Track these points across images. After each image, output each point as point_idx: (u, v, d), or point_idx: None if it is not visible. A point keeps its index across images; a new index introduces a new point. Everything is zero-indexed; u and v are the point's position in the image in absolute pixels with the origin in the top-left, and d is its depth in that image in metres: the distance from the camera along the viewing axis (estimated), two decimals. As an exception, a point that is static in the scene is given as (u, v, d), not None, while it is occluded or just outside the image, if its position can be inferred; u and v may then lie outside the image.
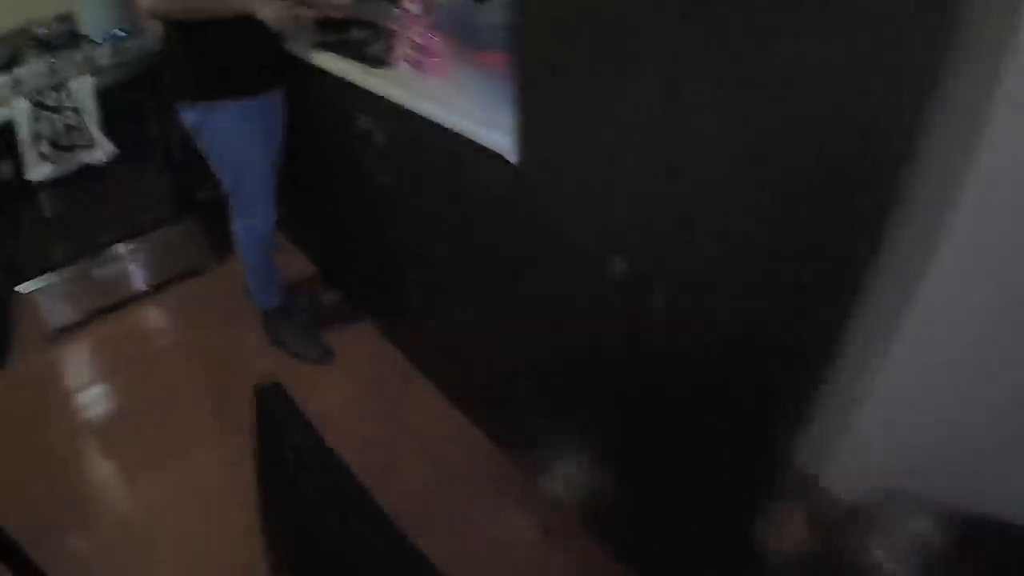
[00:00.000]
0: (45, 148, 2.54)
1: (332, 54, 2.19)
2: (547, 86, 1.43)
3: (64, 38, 2.75)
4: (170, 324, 3.02)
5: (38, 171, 2.56)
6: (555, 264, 1.64)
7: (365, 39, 2.24)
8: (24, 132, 2.50)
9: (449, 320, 2.22)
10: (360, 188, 2.31)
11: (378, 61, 2.05)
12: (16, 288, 2.81)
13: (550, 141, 1.49)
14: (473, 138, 1.67)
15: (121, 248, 2.96)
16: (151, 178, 2.92)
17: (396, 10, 2.35)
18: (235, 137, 2.24)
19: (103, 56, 2.62)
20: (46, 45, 2.72)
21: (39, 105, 2.49)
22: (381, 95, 1.96)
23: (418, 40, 1.93)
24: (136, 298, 3.11)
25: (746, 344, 1.26)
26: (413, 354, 2.59)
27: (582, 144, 1.40)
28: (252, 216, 2.42)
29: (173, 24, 2.08)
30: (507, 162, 1.60)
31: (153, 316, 3.06)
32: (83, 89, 2.54)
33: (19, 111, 2.48)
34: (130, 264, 2.99)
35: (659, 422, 1.55)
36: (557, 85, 1.40)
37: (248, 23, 2.08)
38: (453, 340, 2.25)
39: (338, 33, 2.29)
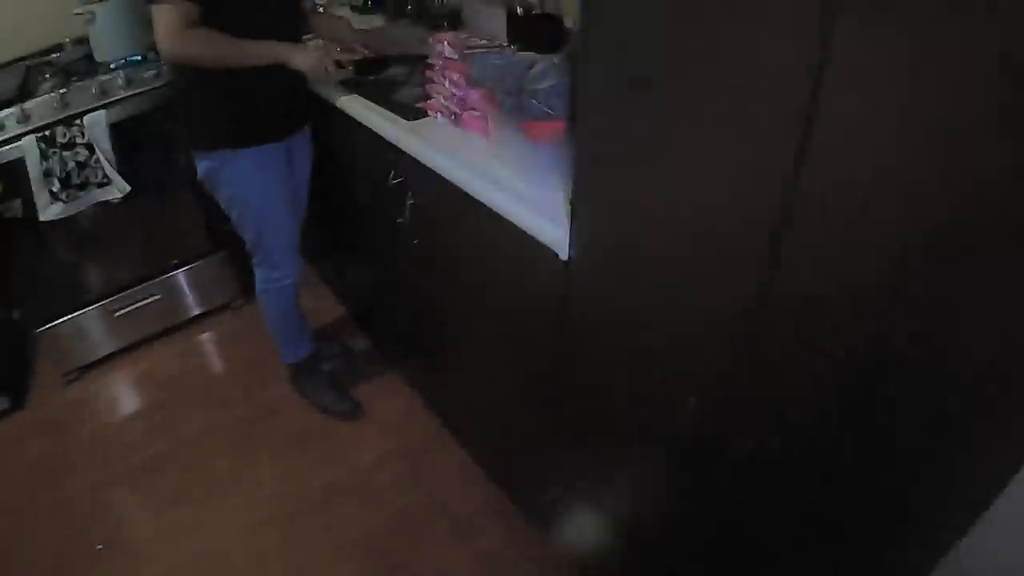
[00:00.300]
0: (56, 187, 2.29)
1: (359, 98, 1.89)
2: (614, 171, 1.12)
3: (79, 64, 2.49)
4: (195, 366, 2.77)
5: (49, 211, 2.32)
6: (611, 379, 1.34)
7: (398, 79, 1.94)
8: (33, 170, 2.25)
9: (484, 390, 1.93)
10: (390, 240, 2.02)
11: (410, 111, 1.75)
12: (36, 327, 2.58)
13: (613, 240, 1.19)
14: (515, 222, 1.37)
15: (146, 285, 2.71)
16: (177, 211, 2.66)
17: (431, 39, 2.06)
18: (255, 186, 1.96)
19: (118, 86, 2.35)
20: (61, 71, 2.46)
21: (48, 142, 2.24)
22: (412, 155, 1.66)
23: (454, 90, 1.62)
24: (160, 337, 2.87)
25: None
26: (445, 415, 2.31)
27: (655, 247, 1.10)
28: (275, 269, 2.14)
29: (190, 67, 1.79)
30: (556, 257, 1.30)
31: (177, 357, 2.81)
32: (96, 124, 2.28)
33: (28, 148, 2.23)
34: (155, 302, 2.74)
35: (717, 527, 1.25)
36: (627, 170, 1.09)
37: (273, 67, 1.79)
38: (487, 410, 1.97)
39: (376, 73, 1.98)
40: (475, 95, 1.53)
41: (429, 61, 1.79)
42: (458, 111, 1.61)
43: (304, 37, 2.04)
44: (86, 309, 2.63)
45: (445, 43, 1.62)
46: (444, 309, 1.95)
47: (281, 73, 1.80)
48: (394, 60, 2.01)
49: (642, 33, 0.96)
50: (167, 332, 2.86)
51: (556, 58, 1.27)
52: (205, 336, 2.89)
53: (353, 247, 2.46)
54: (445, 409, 2.29)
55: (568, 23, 2.01)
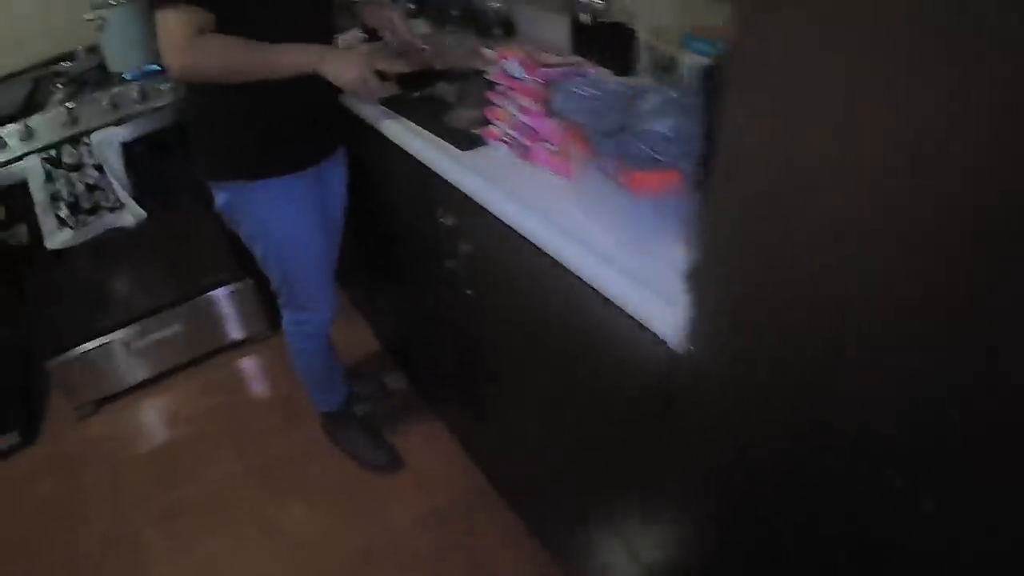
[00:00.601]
0: (63, 212, 1.97)
1: (405, 121, 1.54)
2: (767, 236, 0.76)
3: (92, 75, 2.16)
4: (220, 403, 2.43)
5: (56, 238, 2.00)
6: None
7: (447, 98, 1.59)
8: (38, 194, 1.93)
9: (545, 455, 1.57)
10: (437, 282, 1.67)
11: (464, 138, 1.39)
12: (47, 359, 2.26)
13: (754, 328, 0.83)
14: (606, 293, 1.02)
15: (166, 314, 2.38)
16: (199, 236, 2.32)
17: (490, 51, 1.71)
18: (282, 222, 1.62)
19: (132, 99, 2.03)
20: (73, 82, 2.13)
21: (54, 162, 1.91)
22: (467, 193, 1.30)
23: (523, 117, 1.26)
24: (182, 369, 2.54)
25: None
26: (493, 472, 1.96)
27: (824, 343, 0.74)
28: (303, 311, 1.81)
29: (204, 85, 1.45)
30: (662, 342, 0.94)
31: (200, 393, 2.49)
32: (106, 143, 1.96)
33: (31, 170, 1.90)
34: (176, 332, 2.42)
35: None
36: (781, 240, 0.73)
37: (302, 80, 1.43)
38: (546, 476, 1.61)
39: (421, 88, 1.63)
40: (552, 126, 1.17)
41: (487, 77, 1.44)
42: (527, 143, 1.25)
43: (341, 38, 1.70)
44: (101, 340, 2.32)
45: (512, 60, 1.26)
46: (500, 364, 1.60)
47: (312, 83, 1.43)
48: (443, 75, 1.65)
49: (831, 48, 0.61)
50: (189, 364, 2.54)
51: (673, 90, 0.90)
52: (230, 369, 2.55)
53: (389, 276, 2.11)
54: (493, 465, 1.94)
55: (642, 35, 1.65)
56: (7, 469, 2.32)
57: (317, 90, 1.46)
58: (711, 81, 0.91)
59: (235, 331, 2.54)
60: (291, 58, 1.40)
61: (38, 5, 2.30)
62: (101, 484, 2.22)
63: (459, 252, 1.42)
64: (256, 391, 2.46)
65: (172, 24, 1.27)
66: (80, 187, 1.97)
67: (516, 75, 1.25)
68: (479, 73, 1.67)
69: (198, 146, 1.57)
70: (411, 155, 1.49)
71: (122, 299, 2.31)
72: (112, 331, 2.32)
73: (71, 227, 2.00)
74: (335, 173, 1.76)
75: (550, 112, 1.11)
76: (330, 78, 1.43)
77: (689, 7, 1.55)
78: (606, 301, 1.02)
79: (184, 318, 2.41)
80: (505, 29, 2.01)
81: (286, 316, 1.84)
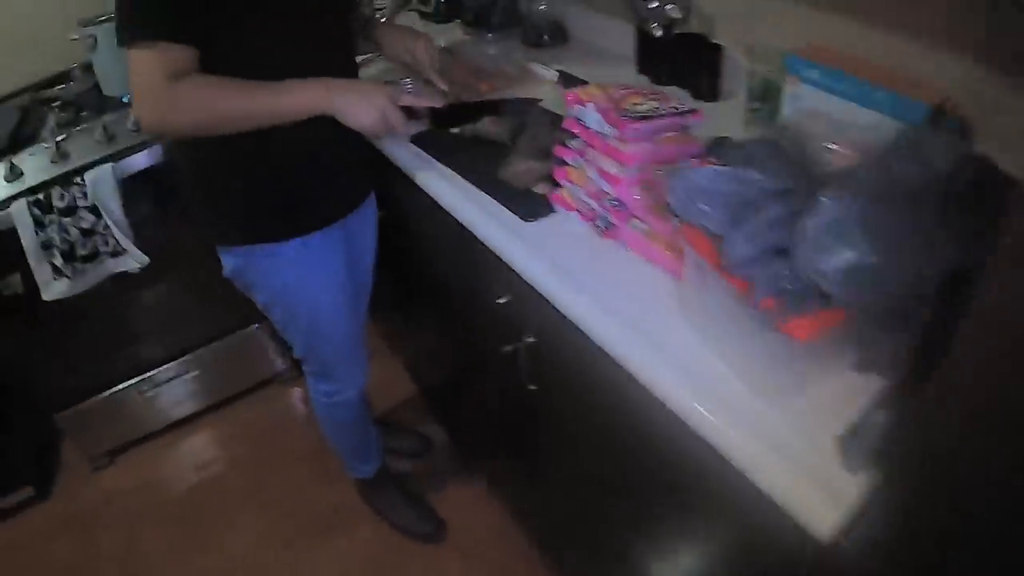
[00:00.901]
0: (58, 260, 1.70)
1: (446, 170, 1.22)
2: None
3: (88, 99, 1.88)
4: (241, 455, 2.16)
5: (52, 289, 1.73)
6: None
7: (497, 138, 1.27)
8: (28, 242, 1.66)
9: (606, 537, 1.27)
10: (490, 363, 1.35)
11: (525, 201, 1.08)
12: (57, 410, 2.02)
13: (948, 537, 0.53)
14: (721, 451, 0.72)
15: (181, 361, 2.11)
16: (212, 275, 2.01)
17: (543, 68, 1.40)
18: (303, 289, 1.33)
19: (128, 129, 1.73)
20: (67, 106, 1.85)
21: (44, 207, 1.64)
22: (530, 282, 0.99)
23: (605, 185, 0.94)
24: (200, 417, 2.27)
25: None
26: (548, 547, 1.66)
27: None
28: (330, 381, 1.52)
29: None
30: (798, 527, 0.65)
31: (220, 443, 2.22)
32: (100, 182, 1.67)
33: (18, 216, 1.63)
34: (191, 378, 2.15)
35: None
36: None
37: (321, 117, 1.11)
38: (609, 556, 1.31)
39: (460, 124, 1.31)
40: (646, 207, 0.85)
41: (544, 106, 1.12)
42: (612, 219, 0.94)
43: (362, 57, 1.40)
44: (113, 389, 2.06)
45: (588, 106, 0.94)
46: (565, 461, 1.30)
47: (333, 120, 1.12)
48: (487, 108, 1.33)
49: None
50: (210, 410, 2.26)
51: (854, 198, 0.58)
52: (254, 415, 2.26)
53: (429, 329, 1.82)
54: (550, 541, 1.66)
55: (730, 52, 1.33)
56: (21, 527, 2.09)
57: (339, 128, 1.14)
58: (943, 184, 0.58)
59: (258, 374, 2.27)
60: (293, 100, 1.08)
61: (38, 10, 2.01)
62: (117, 545, 1.99)
63: (520, 344, 1.12)
64: (282, 441, 2.18)
65: (143, 68, 0.97)
66: (75, 232, 1.69)
67: (597, 129, 0.94)
68: (532, 102, 1.35)
69: (197, 203, 1.27)
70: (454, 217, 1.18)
71: (134, 344, 2.04)
72: (125, 378, 2.06)
73: (68, 276, 1.72)
74: (364, 226, 1.45)
75: (658, 203, 0.79)
76: (344, 121, 1.12)
77: (793, 20, 1.21)
78: (724, 461, 0.72)
79: (202, 361, 2.13)
80: (556, 36, 1.68)
81: (312, 383, 1.56)
